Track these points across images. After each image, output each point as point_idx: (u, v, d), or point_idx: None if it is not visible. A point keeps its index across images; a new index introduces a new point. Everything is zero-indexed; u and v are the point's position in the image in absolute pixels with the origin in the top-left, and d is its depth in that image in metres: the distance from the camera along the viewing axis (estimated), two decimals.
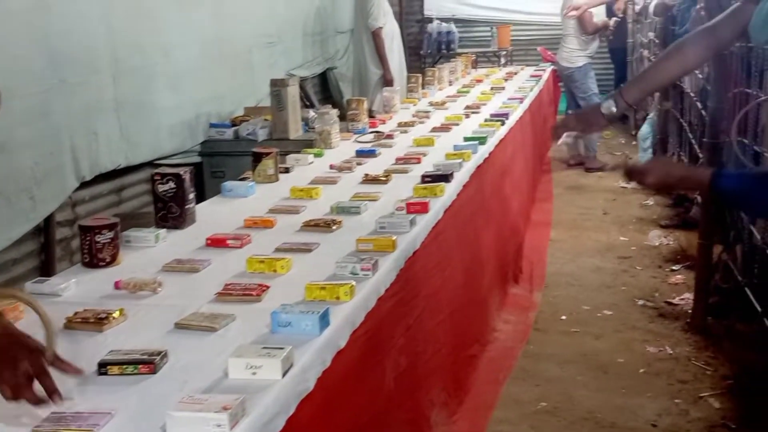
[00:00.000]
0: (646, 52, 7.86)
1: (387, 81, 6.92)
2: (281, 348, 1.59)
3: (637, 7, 7.44)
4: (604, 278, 4.62)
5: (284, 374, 1.55)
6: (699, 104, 4.62)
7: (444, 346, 2.90)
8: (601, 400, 3.19)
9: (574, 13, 7.16)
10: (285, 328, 1.75)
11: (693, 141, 5.09)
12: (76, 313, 1.86)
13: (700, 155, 4.23)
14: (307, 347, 1.68)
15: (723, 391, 3.20)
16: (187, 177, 2.59)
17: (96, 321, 1.82)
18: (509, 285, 4.37)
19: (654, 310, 4.09)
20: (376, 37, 7.05)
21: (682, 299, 4.16)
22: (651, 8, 6.40)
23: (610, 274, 4.69)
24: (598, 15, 7.42)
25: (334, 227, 2.56)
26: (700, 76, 4.60)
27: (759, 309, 3.05)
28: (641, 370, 3.43)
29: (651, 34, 7.45)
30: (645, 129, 7.13)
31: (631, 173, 2.07)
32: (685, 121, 5.57)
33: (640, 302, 4.20)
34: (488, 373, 3.38)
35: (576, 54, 7.47)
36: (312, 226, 2.58)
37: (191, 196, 2.65)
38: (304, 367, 1.62)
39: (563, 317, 4.04)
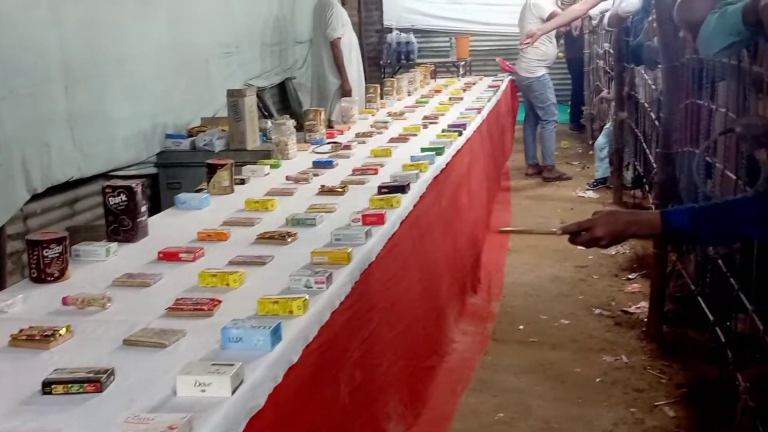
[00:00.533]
0: (601, 63, 7.95)
1: (345, 91, 6.92)
2: (231, 364, 1.57)
3: (594, 21, 7.51)
4: (561, 287, 4.64)
5: (234, 391, 1.53)
6: (652, 115, 4.68)
7: (401, 358, 2.88)
8: (557, 410, 3.20)
9: (529, 41, 7.25)
10: (236, 343, 1.73)
11: (647, 151, 5.15)
12: (21, 330, 1.81)
13: (654, 165, 4.28)
14: (258, 363, 1.66)
15: (677, 400, 3.22)
16: (138, 190, 2.56)
17: (42, 338, 1.78)
18: (467, 295, 4.37)
19: (610, 319, 4.12)
20: (334, 47, 7.05)
21: (638, 308, 4.20)
22: (605, 20, 6.47)
23: (567, 283, 4.72)
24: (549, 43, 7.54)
25: (289, 240, 2.54)
26: (654, 87, 4.66)
27: (711, 318, 3.08)
28: (597, 380, 3.45)
29: (606, 45, 7.54)
30: (601, 139, 7.20)
31: (577, 236, 1.99)
32: (639, 132, 5.64)
33: (597, 311, 4.23)
34: (446, 384, 3.37)
35: (535, 64, 7.52)
36: (267, 238, 2.55)
37: (143, 208, 2.61)
38: (255, 384, 1.60)
39: (521, 327, 4.06)
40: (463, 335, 3.88)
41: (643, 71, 5.23)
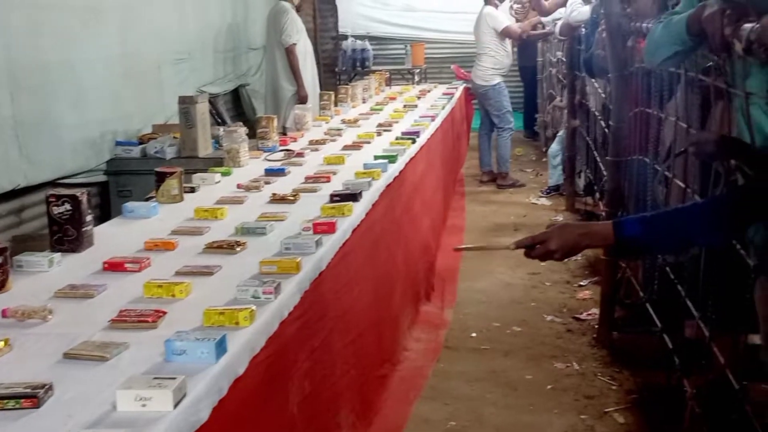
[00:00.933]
0: (554, 71, 8.03)
1: (301, 98, 6.90)
2: (173, 378, 1.54)
3: (548, 28, 7.60)
4: (514, 294, 4.67)
5: (176, 405, 1.50)
6: (602, 123, 4.73)
7: (353, 367, 2.86)
8: (509, 417, 3.21)
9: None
10: (180, 356, 1.69)
11: (598, 158, 5.21)
12: None
13: (604, 173, 4.32)
14: (203, 376, 1.63)
15: (627, 406, 3.25)
16: (83, 198, 2.50)
17: None
18: (421, 303, 4.37)
19: (562, 326, 4.15)
20: (289, 53, 7.02)
21: (590, 314, 4.23)
22: (557, 29, 6.54)
23: (520, 290, 4.75)
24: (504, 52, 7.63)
25: (238, 249, 2.51)
26: (603, 95, 4.71)
27: (659, 325, 3.11)
28: (549, 387, 3.46)
29: (559, 54, 7.62)
30: (554, 147, 7.27)
31: (532, 249, 2.00)
32: (590, 139, 5.70)
33: (549, 318, 4.26)
34: (398, 392, 3.36)
35: (490, 72, 7.59)
36: (215, 248, 2.52)
37: (89, 218, 2.55)
38: (198, 397, 1.57)
39: (474, 334, 4.07)
40: (416, 343, 3.87)
41: (593, 80, 5.29)
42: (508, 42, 7.68)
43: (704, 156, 2.16)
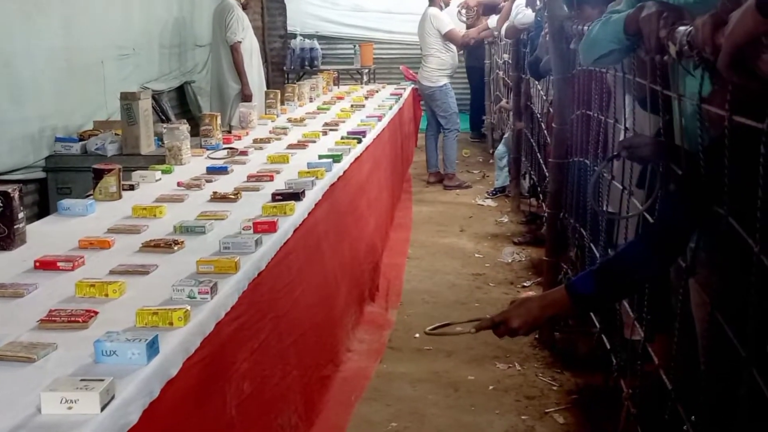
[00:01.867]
0: (501, 73, 8.09)
1: (245, 96, 6.84)
2: (101, 380, 1.50)
3: (495, 33, 7.65)
4: (458, 295, 4.68)
5: (103, 408, 1.46)
6: (544, 125, 4.77)
7: (295, 368, 2.84)
8: (450, 418, 3.21)
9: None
10: (110, 357, 1.65)
11: (542, 161, 5.26)
12: None
13: (547, 174, 4.35)
14: (133, 378, 1.59)
15: (568, 407, 3.28)
16: (15, 195, 2.43)
17: None
18: (366, 303, 4.36)
19: None
20: (234, 51, 6.95)
21: None
22: (502, 31, 6.59)
23: (464, 290, 4.76)
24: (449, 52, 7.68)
25: (175, 248, 2.46)
26: (545, 97, 4.75)
27: (597, 325, 3.14)
28: (490, 387, 3.48)
29: (506, 56, 7.67)
30: (501, 148, 7.32)
31: (498, 331, 1.98)
32: (535, 141, 5.75)
33: None
34: (341, 393, 3.34)
35: (437, 74, 7.62)
36: (152, 246, 2.47)
37: (21, 215, 2.48)
38: (128, 400, 1.53)
39: (417, 335, 4.06)
40: (360, 344, 3.86)
41: (536, 82, 5.34)
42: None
43: (637, 159, 2.18)
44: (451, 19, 7.87)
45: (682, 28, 1.54)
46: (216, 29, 7.18)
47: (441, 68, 7.65)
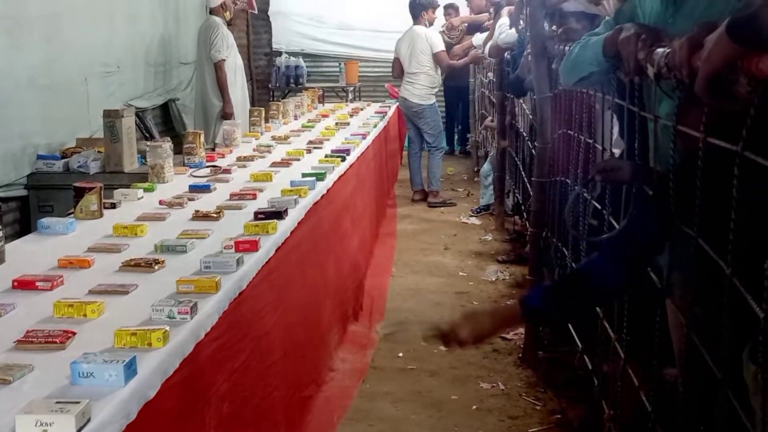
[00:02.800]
0: (486, 92, 8.13)
1: (226, 114, 6.80)
2: (77, 402, 1.48)
3: (479, 52, 7.67)
4: (442, 314, 4.65)
5: (79, 431, 1.44)
6: (530, 143, 4.79)
7: (276, 389, 2.82)
8: None
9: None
10: (86, 379, 1.64)
11: (525, 179, 5.27)
12: None
13: (531, 193, 4.36)
14: (109, 400, 1.58)
15: (551, 426, 3.28)
16: None
17: None
18: (349, 322, 4.34)
19: (489, 346, 4.15)
20: (218, 69, 6.94)
21: (516, 334, 4.25)
22: (486, 50, 6.62)
23: (448, 309, 4.74)
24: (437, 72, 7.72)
25: (156, 267, 2.44)
26: (531, 116, 4.77)
27: (580, 345, 3.14)
28: (474, 407, 3.47)
29: (490, 75, 7.71)
30: (486, 167, 7.34)
31: (445, 340, 2.04)
32: (519, 160, 5.77)
33: None
34: (323, 414, 3.32)
35: (426, 92, 7.69)
36: (132, 266, 2.45)
37: (0, 233, 2.47)
38: (104, 422, 1.51)
39: (400, 354, 4.05)
40: (343, 363, 3.84)
41: (521, 101, 5.36)
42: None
43: (612, 182, 2.19)
44: (441, 42, 7.92)
45: (660, 50, 1.55)
46: (201, 47, 7.16)
47: (432, 86, 7.73)
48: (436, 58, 7.66)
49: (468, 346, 2.02)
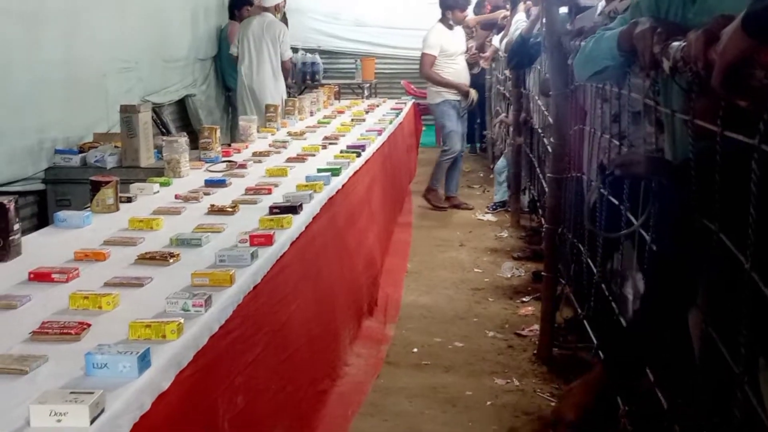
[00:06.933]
0: (502, 88, 8.10)
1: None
2: (91, 392, 1.49)
3: (501, 53, 7.60)
4: (457, 310, 4.66)
5: (93, 421, 1.45)
6: (545, 140, 4.77)
7: (290, 383, 2.82)
8: None
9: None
10: (100, 370, 1.64)
11: (541, 176, 5.25)
12: None
13: (546, 189, 4.35)
14: (123, 391, 1.58)
15: None
16: (11, 206, 2.43)
17: None
18: (364, 317, 4.34)
19: (503, 342, 4.16)
20: (285, 65, 7.68)
21: (531, 330, 4.24)
22: (501, 46, 6.60)
23: (463, 305, 4.75)
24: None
25: (171, 261, 2.45)
26: (546, 112, 4.75)
27: (594, 342, 3.13)
28: (488, 403, 3.46)
29: (507, 72, 7.68)
30: (501, 163, 7.31)
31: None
32: (534, 156, 5.75)
33: (491, 334, 4.26)
34: (337, 408, 3.32)
35: (433, 89, 7.46)
36: (147, 259, 2.46)
37: (16, 226, 2.48)
38: (117, 413, 1.52)
39: (415, 350, 4.05)
40: (357, 358, 3.84)
41: (537, 97, 5.34)
42: (460, 58, 7.55)
43: (631, 176, 2.18)
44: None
45: (675, 44, 1.54)
46: (261, 43, 7.51)
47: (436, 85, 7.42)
48: (421, 58, 7.36)
49: (579, 424, 1.96)
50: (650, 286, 1.86)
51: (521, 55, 5.08)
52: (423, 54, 7.36)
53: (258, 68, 7.58)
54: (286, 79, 7.75)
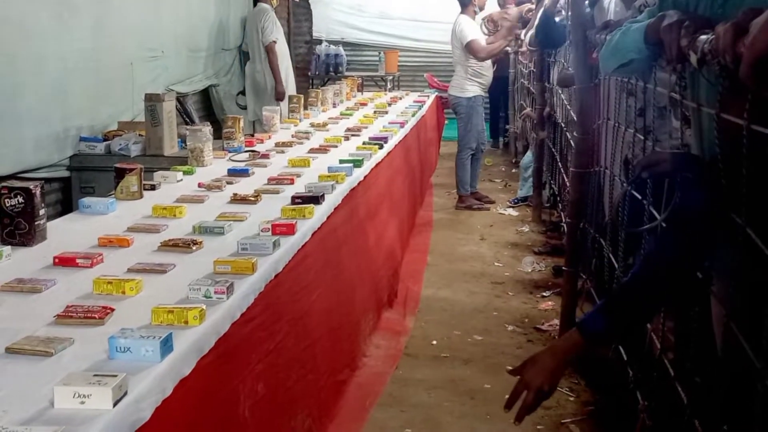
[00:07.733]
0: (526, 82, 8.06)
1: (278, 94, 7.24)
2: (114, 375, 1.51)
3: (524, 46, 7.54)
4: (476, 303, 4.66)
5: (116, 404, 1.46)
6: (568, 134, 4.75)
7: (310, 372, 2.84)
8: (465, 426, 3.19)
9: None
10: (123, 354, 1.66)
11: (562, 170, 5.23)
12: None
13: (568, 184, 4.33)
14: (146, 375, 1.60)
15: (584, 418, 3.26)
16: (37, 192, 2.46)
17: None
18: (384, 309, 4.35)
19: (523, 336, 4.15)
20: (269, 51, 7.41)
21: (551, 325, 4.24)
22: (527, 39, 6.56)
23: (483, 299, 4.74)
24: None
25: (193, 248, 2.47)
26: (569, 107, 4.73)
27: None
28: (507, 396, 3.44)
29: (530, 65, 7.65)
30: (527, 158, 7.26)
31: (527, 399, 1.98)
32: (556, 151, 5.72)
33: (510, 328, 4.26)
34: (356, 398, 3.33)
35: (460, 83, 7.16)
36: (170, 246, 2.48)
37: (42, 211, 2.51)
38: (140, 396, 1.53)
39: (434, 342, 4.05)
40: (376, 349, 3.85)
41: (560, 91, 5.32)
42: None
43: (658, 175, 2.16)
44: (477, 30, 7.24)
45: (703, 37, 1.53)
46: (252, 34, 7.52)
47: (467, 78, 7.10)
48: (468, 49, 7.01)
49: (546, 390, 1.95)
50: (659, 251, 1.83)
51: (545, 33, 5.04)
52: (470, 42, 6.94)
53: (252, 58, 7.74)
54: (272, 64, 7.44)
